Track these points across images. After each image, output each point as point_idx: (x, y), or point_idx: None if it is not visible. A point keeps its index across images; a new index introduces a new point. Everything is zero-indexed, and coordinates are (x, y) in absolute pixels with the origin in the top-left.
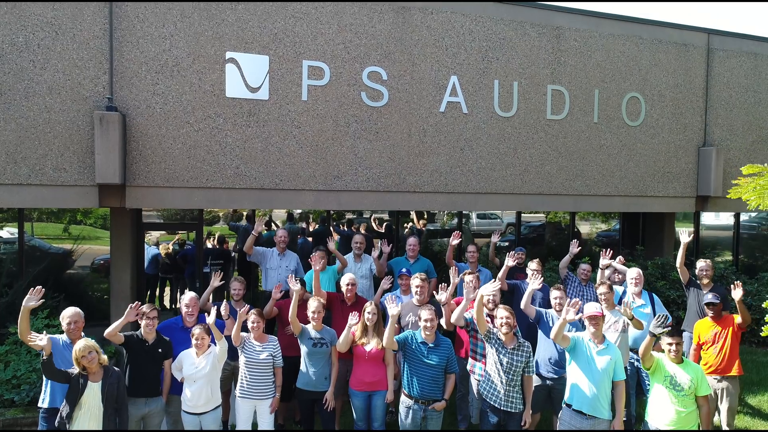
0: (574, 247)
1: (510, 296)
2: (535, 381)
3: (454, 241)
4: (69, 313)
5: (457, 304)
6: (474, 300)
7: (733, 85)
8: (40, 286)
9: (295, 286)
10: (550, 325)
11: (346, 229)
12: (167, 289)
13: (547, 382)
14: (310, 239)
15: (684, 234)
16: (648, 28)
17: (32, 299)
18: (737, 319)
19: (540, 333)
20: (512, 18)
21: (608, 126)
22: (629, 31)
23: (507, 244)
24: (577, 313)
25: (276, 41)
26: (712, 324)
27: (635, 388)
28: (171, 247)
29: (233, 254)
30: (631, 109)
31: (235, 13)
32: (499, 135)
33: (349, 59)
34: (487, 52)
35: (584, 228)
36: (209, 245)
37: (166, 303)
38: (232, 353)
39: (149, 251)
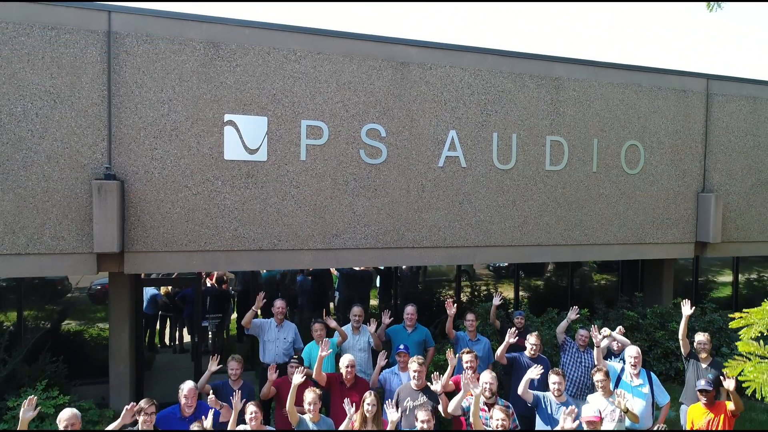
0: (573, 314)
1: (509, 368)
2: None
3: (452, 311)
4: (66, 416)
5: (455, 383)
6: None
7: (733, 129)
8: (35, 397)
9: (296, 380)
10: (549, 411)
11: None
12: (167, 323)
13: None
14: (309, 278)
15: (686, 306)
16: (647, 75)
17: (29, 410)
18: (730, 405)
19: (537, 418)
20: (511, 70)
21: (607, 175)
22: (628, 79)
23: (506, 263)
24: (575, 420)
25: (274, 102)
26: (705, 411)
27: None
28: (170, 287)
29: (232, 291)
30: (630, 157)
31: (234, 75)
32: (497, 188)
33: (348, 117)
34: (486, 105)
35: None
36: (208, 284)
37: (166, 341)
38: None
39: (148, 291)
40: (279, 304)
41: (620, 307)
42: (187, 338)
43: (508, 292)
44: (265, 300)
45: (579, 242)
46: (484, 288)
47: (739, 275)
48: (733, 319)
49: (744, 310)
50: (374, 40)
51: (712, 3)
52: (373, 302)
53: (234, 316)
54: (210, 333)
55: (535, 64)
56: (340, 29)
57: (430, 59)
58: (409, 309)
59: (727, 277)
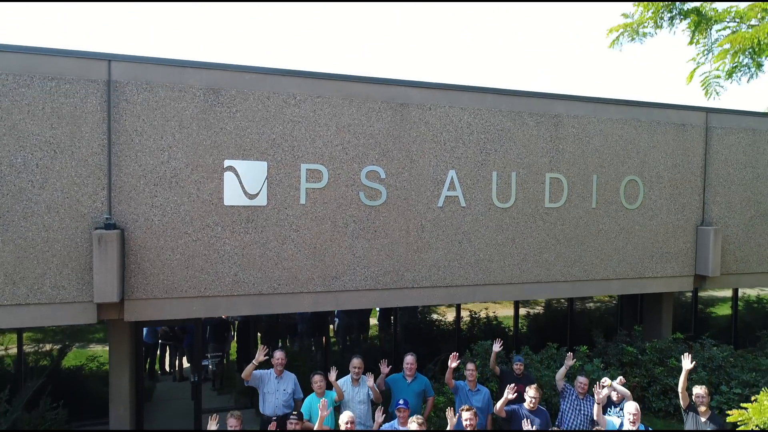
0: (569, 360)
1: (508, 420)
2: None
3: (453, 363)
4: None
5: None
6: None
7: (732, 162)
8: None
9: None
10: None
11: None
12: (167, 351)
13: None
14: None
15: (686, 360)
16: (646, 110)
17: None
18: None
19: None
20: (510, 108)
21: (606, 210)
22: (627, 115)
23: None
24: None
25: (274, 147)
26: None
27: None
28: None
29: (232, 319)
30: (629, 192)
31: (234, 121)
32: (497, 226)
33: (347, 160)
34: (485, 144)
35: None
36: None
37: (166, 368)
38: None
39: None
40: (279, 355)
41: (619, 341)
42: (186, 365)
43: (508, 310)
44: (267, 356)
45: (578, 278)
46: (483, 309)
47: (739, 291)
48: (733, 354)
49: (741, 404)
50: (373, 82)
51: (710, 90)
52: (373, 320)
53: (234, 342)
54: (210, 370)
55: (534, 101)
56: (339, 72)
57: (429, 100)
58: (409, 359)
59: (726, 293)
